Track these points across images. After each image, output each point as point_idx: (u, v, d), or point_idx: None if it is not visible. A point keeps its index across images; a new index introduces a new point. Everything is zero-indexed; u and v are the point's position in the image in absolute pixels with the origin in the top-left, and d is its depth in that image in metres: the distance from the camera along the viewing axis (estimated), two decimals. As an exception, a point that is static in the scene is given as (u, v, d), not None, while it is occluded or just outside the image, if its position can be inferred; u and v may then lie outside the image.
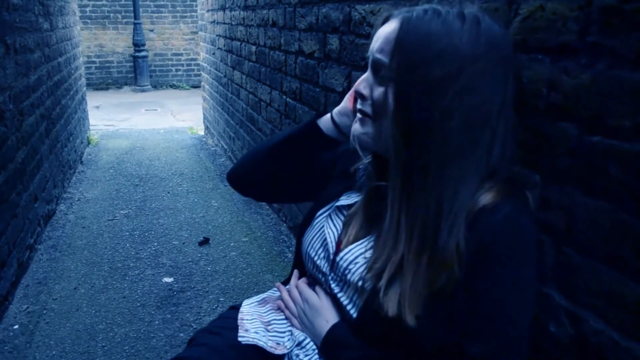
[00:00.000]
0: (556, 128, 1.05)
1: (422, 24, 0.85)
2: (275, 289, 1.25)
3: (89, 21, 10.91)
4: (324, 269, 1.06)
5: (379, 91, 0.91)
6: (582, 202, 1.01)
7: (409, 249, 0.87)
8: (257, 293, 1.29)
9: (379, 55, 0.91)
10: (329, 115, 1.15)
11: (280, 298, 1.19)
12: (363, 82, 0.97)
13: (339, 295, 1.02)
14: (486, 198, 0.86)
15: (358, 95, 0.97)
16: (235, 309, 1.22)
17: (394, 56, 0.87)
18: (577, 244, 1.04)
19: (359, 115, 0.98)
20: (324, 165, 1.22)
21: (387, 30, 0.90)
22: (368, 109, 0.95)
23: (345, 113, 1.11)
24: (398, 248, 0.89)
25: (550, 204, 1.09)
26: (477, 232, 0.84)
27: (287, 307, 1.15)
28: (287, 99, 3.12)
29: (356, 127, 0.99)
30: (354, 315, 0.98)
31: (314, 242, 1.11)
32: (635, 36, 0.88)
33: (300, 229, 1.19)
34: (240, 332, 1.10)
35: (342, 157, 1.19)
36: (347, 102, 1.12)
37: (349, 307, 1.00)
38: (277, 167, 1.21)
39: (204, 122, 6.74)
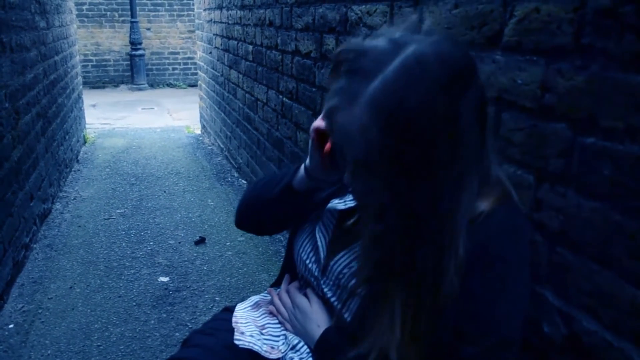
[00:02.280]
0: (550, 129, 1.06)
1: (391, 104, 0.73)
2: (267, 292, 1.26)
3: (85, 19, 10.88)
4: (316, 273, 1.06)
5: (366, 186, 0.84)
6: (575, 202, 1.02)
7: (407, 297, 0.83)
8: (253, 293, 1.29)
9: (358, 156, 0.80)
10: (302, 171, 1.09)
11: (272, 302, 1.19)
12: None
13: (332, 299, 1.03)
14: (482, 205, 0.85)
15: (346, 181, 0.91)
16: (229, 310, 1.22)
17: (374, 148, 0.76)
18: (571, 244, 1.04)
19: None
20: (319, 197, 1.16)
21: (352, 127, 0.77)
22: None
23: (318, 170, 1.06)
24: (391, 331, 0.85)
25: (544, 204, 1.09)
26: (473, 237, 0.83)
27: (278, 312, 1.15)
28: (284, 99, 3.12)
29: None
30: (348, 319, 0.98)
31: (306, 246, 1.11)
32: (629, 38, 0.88)
33: (292, 231, 1.19)
34: (236, 335, 1.10)
35: None
36: (316, 159, 1.04)
37: (342, 311, 0.99)
38: (273, 217, 1.22)
39: (200, 121, 6.73)
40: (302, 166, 1.10)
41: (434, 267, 0.80)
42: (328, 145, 0.99)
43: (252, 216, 1.25)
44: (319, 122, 0.99)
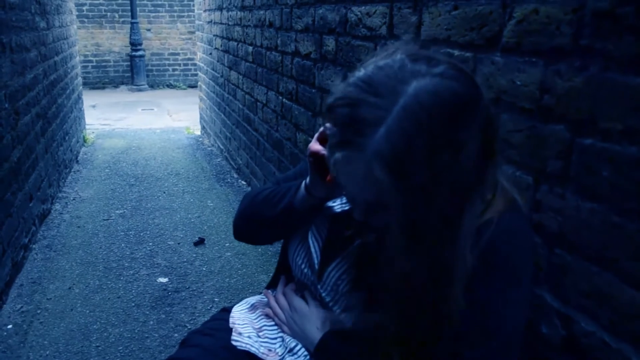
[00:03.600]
0: (549, 130, 1.06)
1: (401, 153, 0.71)
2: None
3: (85, 20, 10.89)
4: (312, 277, 1.06)
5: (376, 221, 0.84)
6: (574, 204, 1.02)
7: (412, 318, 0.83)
8: (253, 293, 1.29)
9: (366, 208, 0.81)
10: (303, 191, 1.06)
11: (269, 305, 1.18)
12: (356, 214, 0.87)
13: (331, 304, 1.02)
14: (488, 213, 0.84)
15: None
16: (227, 311, 1.22)
17: (391, 203, 0.75)
18: (569, 245, 1.04)
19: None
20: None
21: (358, 176, 0.76)
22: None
23: (320, 189, 1.03)
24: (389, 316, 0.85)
25: (543, 205, 1.09)
26: (477, 242, 0.83)
27: (275, 314, 1.14)
28: (284, 100, 3.12)
29: None
30: (349, 324, 0.98)
31: (299, 250, 1.10)
32: (627, 39, 0.88)
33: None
34: (234, 335, 1.10)
35: None
36: (317, 181, 1.02)
37: (342, 316, 1.00)
38: (271, 232, 1.22)
39: (200, 122, 6.73)
40: (303, 185, 1.06)
41: (439, 288, 0.80)
42: (330, 176, 0.95)
43: (251, 231, 1.24)
44: (317, 146, 0.96)
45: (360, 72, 0.77)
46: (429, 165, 0.71)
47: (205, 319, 1.31)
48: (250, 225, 1.21)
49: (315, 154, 0.96)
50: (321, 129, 0.95)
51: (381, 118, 0.71)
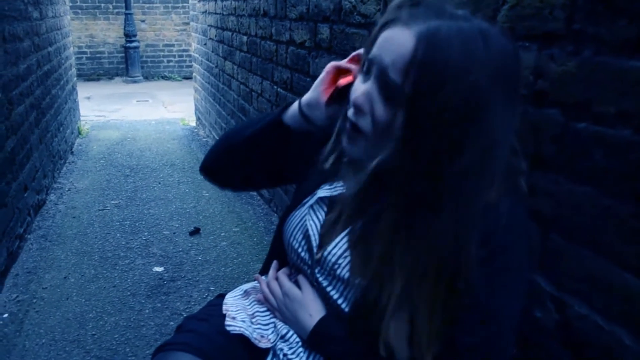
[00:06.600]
0: (542, 115, 1.06)
1: (444, 48, 0.75)
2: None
3: (79, 11, 10.81)
4: (310, 262, 1.04)
5: (383, 111, 0.83)
6: (567, 188, 1.02)
7: (420, 283, 0.83)
8: (248, 282, 1.28)
9: (389, 72, 0.81)
10: (296, 106, 1.08)
11: (260, 291, 1.16)
12: (362, 96, 0.86)
13: (328, 289, 1.01)
14: (490, 196, 0.84)
15: (355, 108, 0.87)
16: (223, 297, 1.21)
17: (409, 79, 0.77)
18: (563, 229, 1.05)
19: (348, 127, 0.90)
20: (301, 151, 1.13)
21: (399, 43, 0.80)
22: (366, 126, 0.86)
23: (317, 105, 1.04)
24: (397, 283, 0.85)
25: (537, 190, 1.09)
26: (479, 227, 0.83)
27: (267, 300, 1.13)
28: (278, 89, 3.11)
29: (347, 147, 0.92)
30: (346, 309, 0.97)
31: (296, 234, 1.08)
32: (620, 23, 0.89)
33: (281, 218, 1.16)
34: (227, 321, 1.09)
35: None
36: (318, 92, 1.03)
37: (339, 301, 0.98)
38: (247, 161, 1.16)
39: (195, 113, 6.71)
40: (297, 102, 1.08)
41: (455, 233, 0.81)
42: (347, 79, 0.96)
43: (226, 155, 1.20)
44: (340, 62, 0.99)
45: None
46: (455, 80, 0.75)
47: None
48: (227, 147, 1.19)
49: (336, 67, 0.99)
50: (354, 53, 0.99)
51: (445, 13, 0.79)
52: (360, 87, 0.87)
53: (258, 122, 1.13)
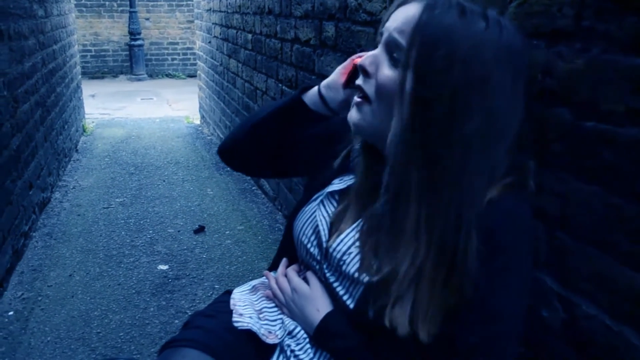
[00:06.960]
0: (550, 113, 1.05)
1: (444, 17, 0.80)
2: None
3: (84, 9, 10.84)
4: (318, 257, 1.04)
5: (387, 73, 0.86)
6: (575, 186, 1.02)
7: (425, 260, 0.84)
8: (254, 280, 1.28)
9: (396, 35, 0.85)
10: (316, 88, 1.12)
11: (269, 286, 1.17)
12: (370, 57, 0.90)
13: (335, 284, 1.00)
14: (492, 192, 0.84)
15: (361, 70, 0.91)
16: (230, 293, 1.21)
17: (413, 43, 0.81)
18: (570, 228, 1.04)
19: (356, 98, 0.93)
20: (315, 139, 1.16)
21: (408, 13, 0.84)
22: (370, 90, 0.89)
23: (335, 87, 1.08)
24: (405, 259, 0.85)
25: (544, 189, 1.09)
26: (482, 224, 0.83)
27: (275, 295, 1.13)
28: (283, 87, 3.11)
29: (352, 115, 0.93)
30: (351, 306, 0.97)
31: (306, 229, 1.08)
32: (629, 20, 0.88)
33: (291, 214, 1.16)
34: (235, 317, 1.09)
35: (338, 133, 1.12)
36: (338, 75, 1.08)
37: (345, 298, 0.98)
38: (264, 142, 1.19)
39: (199, 111, 6.72)
40: (317, 86, 1.13)
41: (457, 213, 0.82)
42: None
43: (244, 137, 1.21)
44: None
45: None
46: (460, 66, 0.79)
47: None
48: (247, 129, 1.21)
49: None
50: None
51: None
52: (369, 53, 0.92)
53: (277, 103, 1.17)
